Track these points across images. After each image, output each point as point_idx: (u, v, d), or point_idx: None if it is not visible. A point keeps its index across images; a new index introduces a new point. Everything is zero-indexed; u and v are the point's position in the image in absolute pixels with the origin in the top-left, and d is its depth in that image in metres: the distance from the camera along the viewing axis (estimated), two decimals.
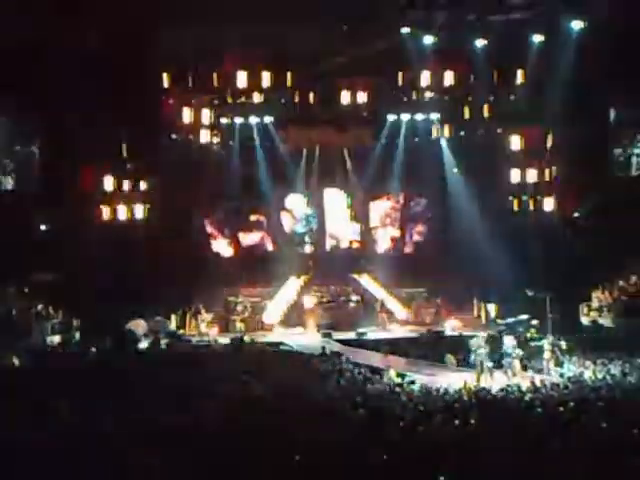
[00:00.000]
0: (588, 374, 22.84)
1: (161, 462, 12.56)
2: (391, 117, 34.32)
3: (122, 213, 32.08)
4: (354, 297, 35.25)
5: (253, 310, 34.28)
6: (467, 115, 33.87)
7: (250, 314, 34.05)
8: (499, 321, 31.19)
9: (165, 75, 31.12)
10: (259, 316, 34.10)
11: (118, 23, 27.37)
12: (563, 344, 25.61)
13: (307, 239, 37.00)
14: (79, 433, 14.32)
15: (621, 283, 32.32)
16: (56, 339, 28.62)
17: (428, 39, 28.93)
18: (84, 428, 14.82)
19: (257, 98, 32.00)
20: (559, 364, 25.12)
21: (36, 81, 27.99)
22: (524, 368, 25.24)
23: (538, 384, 21.34)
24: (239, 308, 34.23)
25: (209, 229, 36.01)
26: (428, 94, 33.24)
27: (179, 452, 13.19)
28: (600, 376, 22.35)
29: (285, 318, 34.20)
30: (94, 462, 12.48)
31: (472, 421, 15.86)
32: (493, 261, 32.43)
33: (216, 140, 33.57)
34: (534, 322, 29.94)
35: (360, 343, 30.35)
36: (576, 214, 35.17)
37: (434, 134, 34.79)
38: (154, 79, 30.00)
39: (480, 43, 29.92)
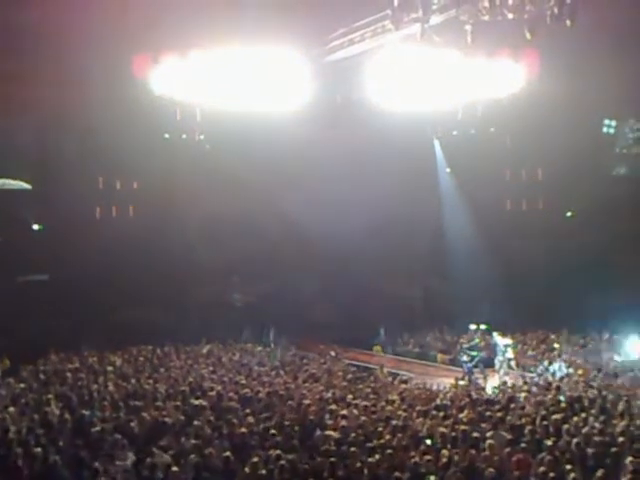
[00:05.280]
0: (580, 374, 22.83)
1: None
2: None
3: (114, 212, 31.86)
4: None
5: None
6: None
7: None
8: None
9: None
10: None
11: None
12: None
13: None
14: None
15: None
16: None
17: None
18: None
19: None
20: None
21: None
22: (517, 366, 25.29)
23: (530, 383, 21.33)
24: None
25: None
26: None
27: None
28: (591, 376, 22.36)
29: None
30: None
31: (464, 419, 15.87)
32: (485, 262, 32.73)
33: (208, 139, 33.24)
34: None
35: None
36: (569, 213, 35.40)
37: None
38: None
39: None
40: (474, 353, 25.08)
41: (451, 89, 21.91)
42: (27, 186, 31.84)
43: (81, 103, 27.52)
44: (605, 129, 34.15)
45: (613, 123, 33.99)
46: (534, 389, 20.07)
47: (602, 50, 25.53)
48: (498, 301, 32.31)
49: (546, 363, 25.00)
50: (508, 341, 25.73)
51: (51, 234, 32.58)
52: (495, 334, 26.45)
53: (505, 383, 22.19)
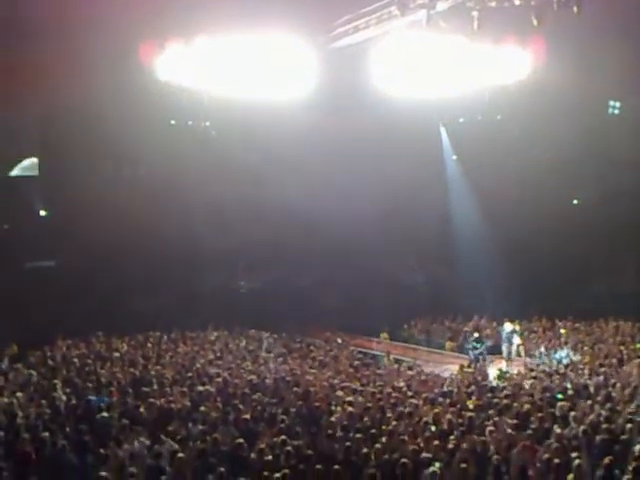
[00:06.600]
0: (586, 361, 22.79)
1: None
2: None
3: (121, 199, 31.86)
4: None
5: None
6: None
7: None
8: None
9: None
10: None
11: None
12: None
13: None
14: None
15: None
16: None
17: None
18: None
19: None
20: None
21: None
22: (524, 353, 25.28)
23: (536, 370, 21.31)
24: None
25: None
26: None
27: None
28: (597, 363, 22.31)
29: None
30: None
31: (471, 406, 15.91)
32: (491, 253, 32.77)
33: (214, 126, 33.19)
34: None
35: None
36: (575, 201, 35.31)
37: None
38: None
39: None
40: (480, 341, 25.07)
41: (457, 76, 21.87)
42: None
43: (88, 90, 27.49)
44: (610, 110, 33.95)
45: (617, 104, 33.79)
46: (540, 376, 20.05)
47: (609, 37, 25.40)
48: (503, 288, 32.32)
49: (552, 350, 25.01)
50: (516, 328, 25.71)
51: (58, 220, 32.61)
52: (503, 321, 26.45)
53: (512, 370, 22.22)
